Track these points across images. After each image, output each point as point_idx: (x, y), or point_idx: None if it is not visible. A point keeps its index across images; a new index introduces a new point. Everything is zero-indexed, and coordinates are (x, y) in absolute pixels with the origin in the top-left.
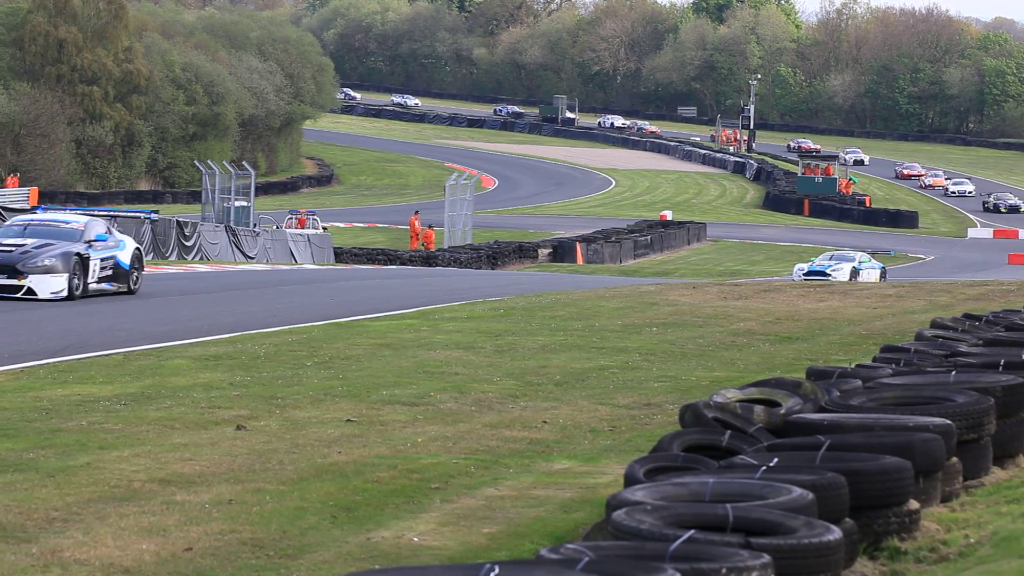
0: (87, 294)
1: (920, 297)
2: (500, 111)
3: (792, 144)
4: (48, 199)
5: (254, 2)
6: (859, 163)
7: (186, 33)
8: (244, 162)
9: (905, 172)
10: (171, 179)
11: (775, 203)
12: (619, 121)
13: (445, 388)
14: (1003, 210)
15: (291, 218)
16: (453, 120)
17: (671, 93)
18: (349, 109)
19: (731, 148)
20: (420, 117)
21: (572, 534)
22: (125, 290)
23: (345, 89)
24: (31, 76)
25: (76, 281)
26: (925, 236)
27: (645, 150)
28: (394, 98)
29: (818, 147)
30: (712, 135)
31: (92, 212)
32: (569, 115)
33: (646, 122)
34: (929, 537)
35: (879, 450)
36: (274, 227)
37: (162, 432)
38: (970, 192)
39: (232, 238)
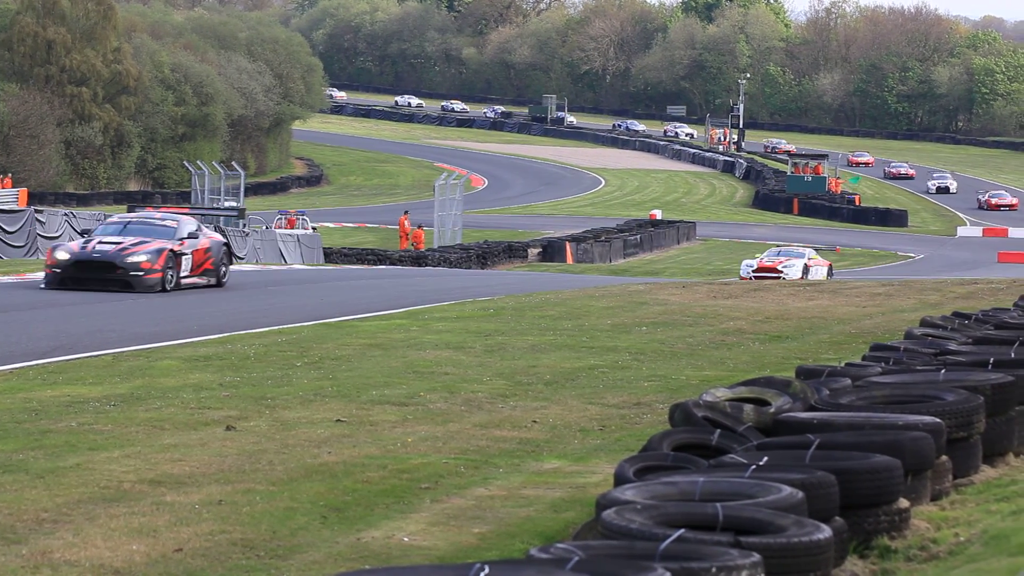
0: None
1: (910, 296)
2: (490, 113)
3: (768, 144)
4: (38, 200)
5: (243, 2)
6: (864, 164)
7: (175, 34)
8: (233, 162)
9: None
10: (160, 180)
11: (765, 202)
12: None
13: (435, 388)
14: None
15: (280, 218)
16: (443, 120)
17: (660, 92)
18: (339, 109)
19: (720, 147)
20: (409, 117)
21: (562, 534)
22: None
23: (331, 90)
24: (20, 77)
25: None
26: (915, 235)
27: (634, 149)
28: (397, 100)
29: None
30: (691, 133)
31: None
32: (561, 114)
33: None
34: (919, 535)
35: (869, 449)
36: (263, 227)
37: (152, 433)
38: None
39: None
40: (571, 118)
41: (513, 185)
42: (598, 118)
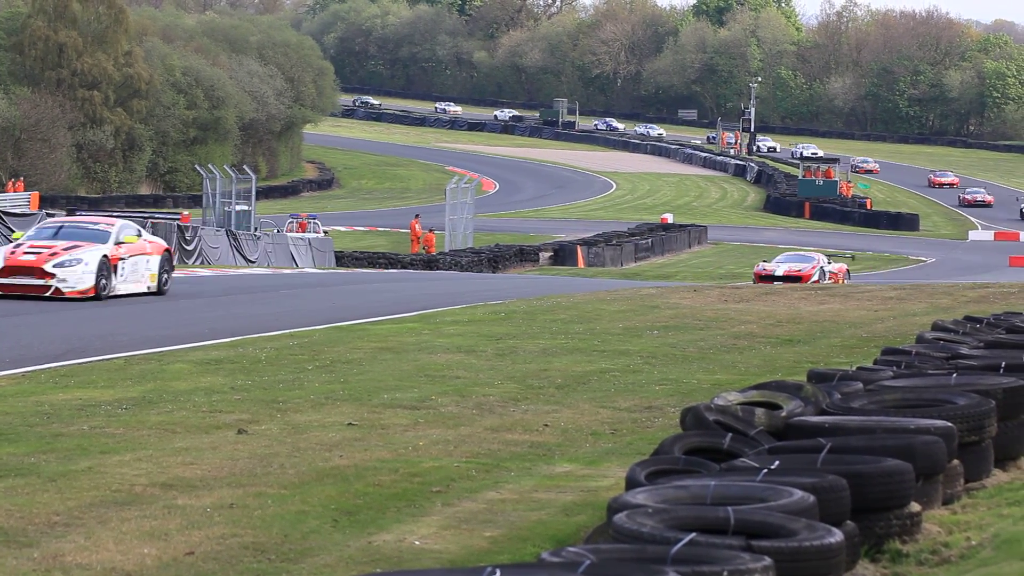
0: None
1: (921, 299)
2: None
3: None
4: (49, 204)
5: (254, 6)
6: (869, 172)
7: (186, 37)
8: (245, 166)
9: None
10: (172, 183)
11: (776, 206)
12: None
13: (446, 391)
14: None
15: (292, 222)
16: (454, 123)
17: (671, 96)
18: (350, 113)
19: (731, 151)
20: (421, 121)
21: (573, 537)
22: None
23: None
24: (31, 80)
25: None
26: (926, 239)
27: (646, 153)
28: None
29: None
30: (709, 137)
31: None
32: (570, 118)
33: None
34: (930, 539)
35: (880, 452)
36: (275, 231)
37: (163, 436)
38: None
39: (233, 242)
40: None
41: (524, 189)
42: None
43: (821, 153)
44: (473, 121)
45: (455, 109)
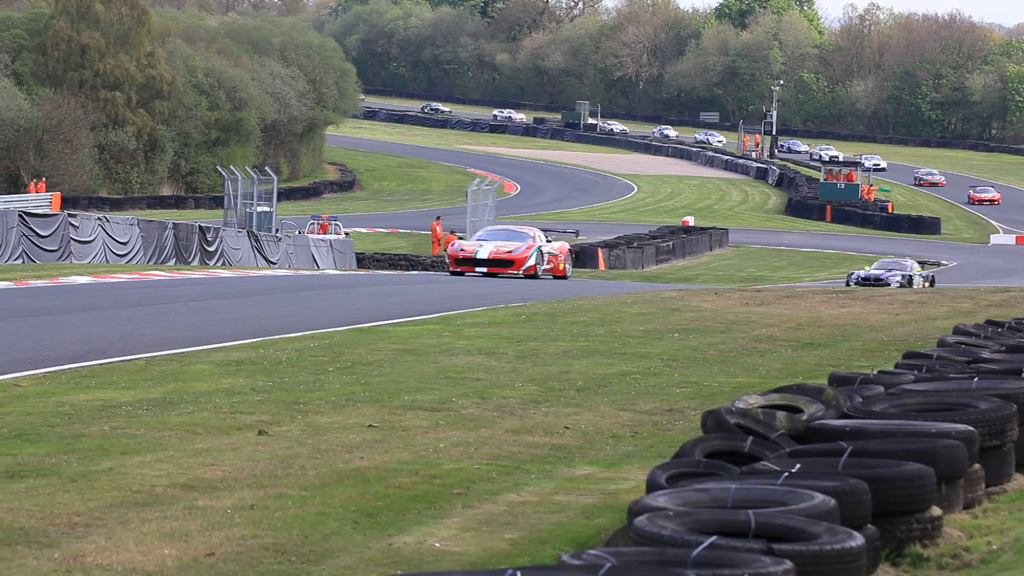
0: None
1: (942, 303)
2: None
3: (783, 145)
4: (71, 204)
5: (277, 8)
6: (879, 169)
7: (209, 38)
8: (266, 167)
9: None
10: (194, 184)
11: (797, 209)
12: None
13: (467, 394)
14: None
15: (313, 223)
16: (475, 126)
17: (693, 99)
18: (371, 115)
19: (753, 154)
20: (443, 123)
21: (594, 540)
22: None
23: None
24: (54, 81)
25: None
26: (947, 242)
27: (667, 156)
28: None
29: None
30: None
31: None
32: (597, 122)
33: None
34: (951, 544)
35: (901, 456)
36: (296, 232)
37: (184, 437)
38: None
39: (254, 243)
40: (617, 125)
41: (546, 191)
42: (631, 124)
43: (884, 164)
44: (496, 124)
45: (519, 117)
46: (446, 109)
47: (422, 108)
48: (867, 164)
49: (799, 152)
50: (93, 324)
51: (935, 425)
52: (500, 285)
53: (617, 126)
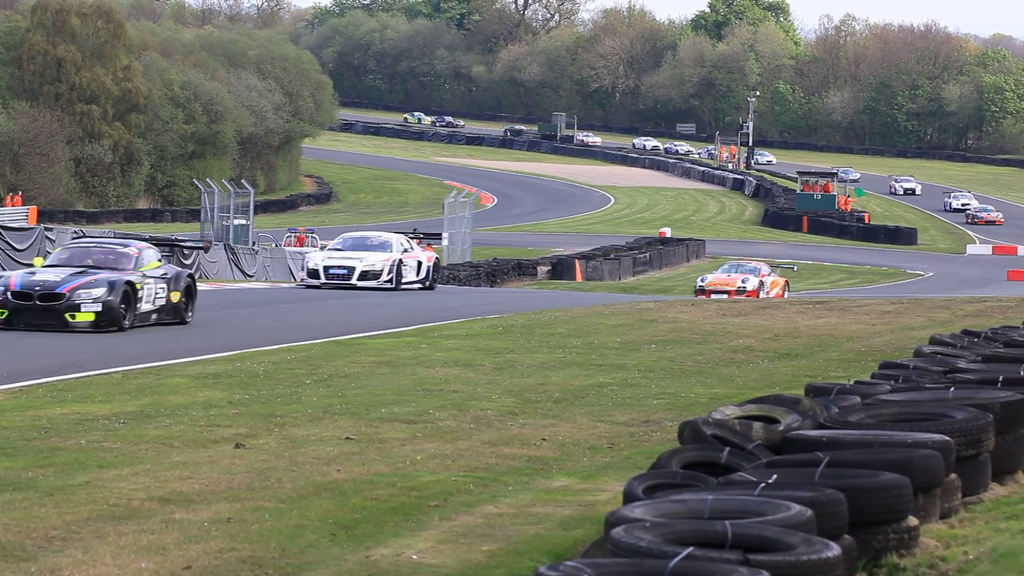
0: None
1: (919, 314)
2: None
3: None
4: (47, 218)
5: (253, 21)
6: (855, 181)
7: (185, 52)
8: (243, 180)
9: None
10: (170, 197)
11: (774, 220)
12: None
13: (444, 406)
14: (900, 193)
15: (290, 236)
16: (452, 138)
17: (670, 110)
18: (348, 127)
19: (729, 165)
20: (419, 135)
21: (571, 551)
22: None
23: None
24: (30, 95)
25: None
26: (924, 252)
27: (644, 167)
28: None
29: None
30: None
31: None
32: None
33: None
34: (928, 553)
35: (878, 466)
36: (273, 245)
37: (161, 450)
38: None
39: (231, 256)
40: (591, 137)
41: (522, 203)
42: (608, 136)
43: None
44: (471, 135)
45: (533, 130)
46: (460, 123)
47: (433, 122)
48: (846, 177)
49: (769, 163)
50: (69, 338)
51: (911, 435)
52: (477, 297)
53: (594, 138)
